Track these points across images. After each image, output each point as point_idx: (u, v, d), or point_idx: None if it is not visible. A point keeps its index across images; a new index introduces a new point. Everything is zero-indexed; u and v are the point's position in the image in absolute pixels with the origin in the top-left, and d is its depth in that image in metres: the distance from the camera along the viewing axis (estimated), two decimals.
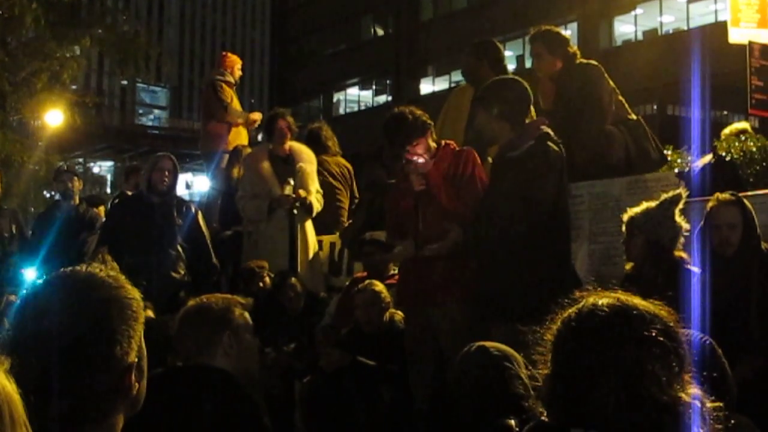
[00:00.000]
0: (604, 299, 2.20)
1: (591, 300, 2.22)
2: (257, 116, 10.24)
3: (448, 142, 5.92)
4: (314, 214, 8.00)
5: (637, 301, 2.20)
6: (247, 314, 3.85)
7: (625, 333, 2.12)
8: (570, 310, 2.23)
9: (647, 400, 2.05)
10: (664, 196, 4.99)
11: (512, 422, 3.42)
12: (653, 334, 2.11)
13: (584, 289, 2.29)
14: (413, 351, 5.77)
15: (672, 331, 2.14)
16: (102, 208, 11.27)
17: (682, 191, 5.03)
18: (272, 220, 7.89)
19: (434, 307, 5.62)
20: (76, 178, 10.13)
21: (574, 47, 7.11)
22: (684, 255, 4.94)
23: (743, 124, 7.76)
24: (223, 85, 10.16)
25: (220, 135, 10.04)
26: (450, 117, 7.47)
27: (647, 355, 2.09)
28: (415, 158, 5.57)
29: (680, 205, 4.95)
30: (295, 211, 7.81)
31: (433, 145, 5.78)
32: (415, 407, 5.73)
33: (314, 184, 8.06)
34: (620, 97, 6.91)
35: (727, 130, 7.63)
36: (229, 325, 3.73)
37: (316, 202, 7.99)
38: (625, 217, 5.09)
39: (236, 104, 10.33)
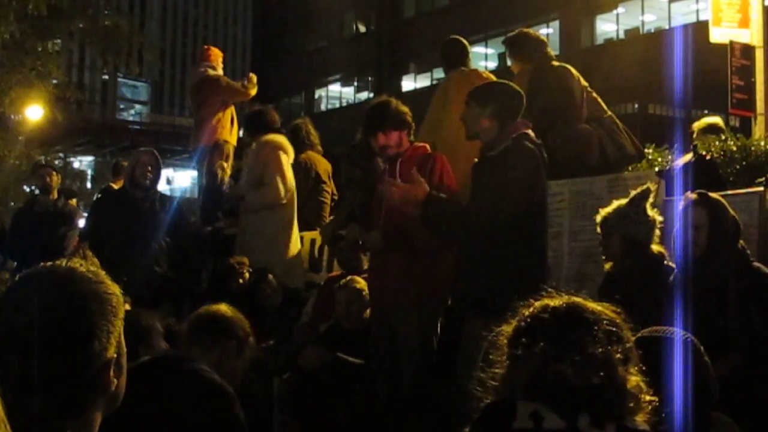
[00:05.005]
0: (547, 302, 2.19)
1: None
2: (253, 76, 10.08)
3: (420, 144, 5.95)
4: (252, 205, 7.94)
5: (580, 304, 2.18)
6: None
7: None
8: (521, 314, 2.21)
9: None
10: (633, 192, 5.00)
11: None
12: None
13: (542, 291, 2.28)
14: (373, 348, 5.87)
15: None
16: (74, 201, 11.21)
17: (651, 185, 5.03)
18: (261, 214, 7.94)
19: (390, 307, 5.71)
20: (54, 172, 10.10)
21: (549, 49, 7.20)
22: (662, 250, 4.95)
23: (714, 119, 7.82)
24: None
25: (216, 129, 9.91)
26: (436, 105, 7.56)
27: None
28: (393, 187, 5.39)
29: (650, 200, 4.96)
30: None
31: (407, 143, 5.83)
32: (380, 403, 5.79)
33: (250, 177, 8.08)
34: (594, 95, 6.95)
35: (697, 124, 7.70)
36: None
37: (255, 196, 7.95)
38: (599, 218, 5.08)
39: None
